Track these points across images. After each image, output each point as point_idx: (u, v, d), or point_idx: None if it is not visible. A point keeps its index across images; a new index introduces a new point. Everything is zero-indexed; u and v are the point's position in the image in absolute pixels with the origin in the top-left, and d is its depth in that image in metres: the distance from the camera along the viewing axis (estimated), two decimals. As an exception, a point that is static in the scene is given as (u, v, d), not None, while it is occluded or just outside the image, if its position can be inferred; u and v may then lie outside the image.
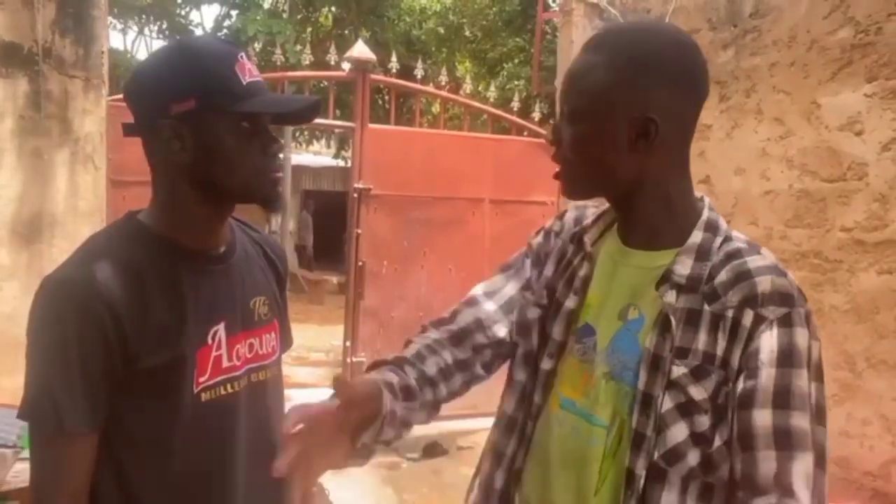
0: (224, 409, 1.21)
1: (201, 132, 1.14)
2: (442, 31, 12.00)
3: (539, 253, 1.31)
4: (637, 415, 1.04)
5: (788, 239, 3.58)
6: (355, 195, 5.25)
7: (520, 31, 11.25)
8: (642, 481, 1.02)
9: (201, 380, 1.18)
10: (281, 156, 1.24)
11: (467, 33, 12.11)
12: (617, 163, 1.08)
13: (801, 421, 0.96)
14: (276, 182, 1.20)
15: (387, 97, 8.80)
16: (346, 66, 5.40)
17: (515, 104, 5.68)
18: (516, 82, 10.12)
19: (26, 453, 1.85)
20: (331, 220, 16.71)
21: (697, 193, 1.17)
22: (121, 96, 4.61)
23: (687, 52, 1.09)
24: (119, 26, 11.95)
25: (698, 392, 1.01)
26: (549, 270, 1.26)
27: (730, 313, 1.02)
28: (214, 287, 1.22)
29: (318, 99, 1.24)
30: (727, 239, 1.10)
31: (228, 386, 1.22)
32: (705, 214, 1.12)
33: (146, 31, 12.74)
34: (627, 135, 1.06)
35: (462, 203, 5.54)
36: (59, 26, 4.04)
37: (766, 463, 0.95)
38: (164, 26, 11.67)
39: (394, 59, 5.43)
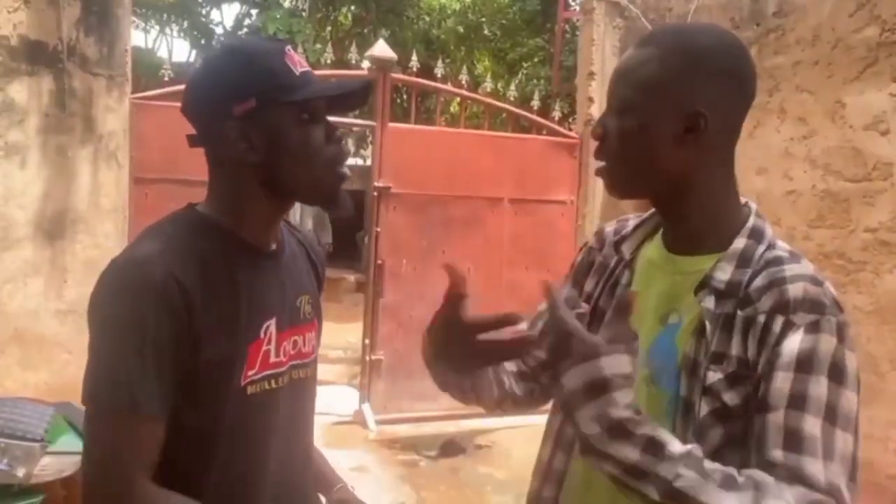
0: (266, 404, 1.22)
1: (266, 129, 1.15)
2: (461, 29, 11.99)
3: (579, 270, 1.32)
4: (680, 421, 1.05)
5: (811, 239, 3.54)
6: (375, 194, 5.26)
7: (540, 30, 11.23)
8: None
9: (249, 373, 1.18)
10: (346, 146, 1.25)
11: (487, 32, 12.09)
12: (664, 157, 1.08)
13: (812, 427, 0.93)
14: (342, 177, 1.21)
15: (406, 96, 8.82)
16: (365, 64, 5.41)
17: (535, 103, 5.66)
18: (536, 81, 10.09)
19: (54, 447, 1.87)
20: (351, 218, 16.71)
21: (743, 199, 1.16)
22: (143, 94, 4.65)
23: (737, 52, 1.10)
24: (141, 25, 12.05)
25: (732, 398, 1.01)
26: (589, 285, 1.27)
27: (761, 318, 1.01)
28: (268, 282, 1.23)
29: (370, 80, 1.29)
30: (770, 247, 1.09)
31: (273, 381, 1.22)
32: (751, 221, 1.12)
33: (167, 29, 12.84)
34: (676, 129, 1.06)
35: (481, 202, 5.54)
36: (83, 25, 4.08)
37: (775, 462, 0.94)
38: (186, 25, 11.75)
39: (414, 58, 5.44)
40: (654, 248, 1.21)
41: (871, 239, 3.27)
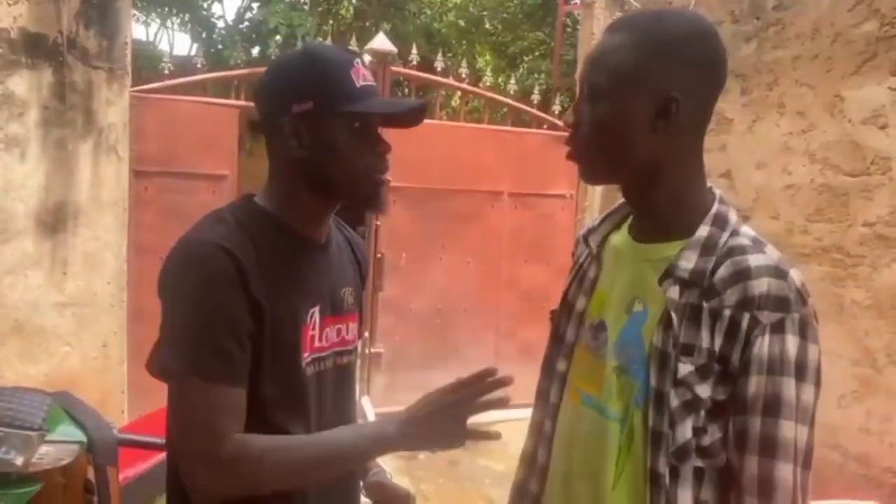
0: (318, 385, 1.31)
1: (317, 130, 1.24)
2: (462, 23, 11.97)
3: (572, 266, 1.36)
4: (652, 412, 1.06)
5: (810, 233, 3.55)
6: None
7: (540, 24, 11.21)
8: (667, 479, 1.04)
9: (305, 354, 1.28)
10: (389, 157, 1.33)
11: (488, 26, 12.07)
12: (636, 143, 1.09)
13: (786, 431, 1.01)
14: (381, 183, 1.31)
15: (406, 90, 8.81)
16: (366, 58, 5.41)
17: (535, 97, 5.66)
18: (536, 75, 10.08)
19: (52, 436, 1.88)
20: (349, 211, 16.77)
21: (709, 185, 1.17)
22: (143, 87, 4.64)
23: (710, 37, 1.11)
24: (142, 18, 12.02)
25: (704, 390, 1.03)
26: (569, 279, 1.31)
27: (727, 312, 1.03)
28: (316, 271, 1.33)
29: (424, 103, 1.33)
30: (734, 234, 1.09)
31: (319, 364, 1.31)
32: (715, 208, 1.12)
33: (168, 23, 12.82)
34: (649, 114, 1.07)
35: (481, 196, 5.54)
36: (83, 17, 4.08)
37: (751, 466, 1.02)
38: (187, 18, 11.74)
39: (414, 51, 5.43)
40: (620, 237, 1.23)
41: (870, 233, 3.27)
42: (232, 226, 1.24)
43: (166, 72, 4.63)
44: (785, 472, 1.00)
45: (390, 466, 4.94)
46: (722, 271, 1.05)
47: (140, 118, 4.41)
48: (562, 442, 1.23)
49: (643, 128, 1.08)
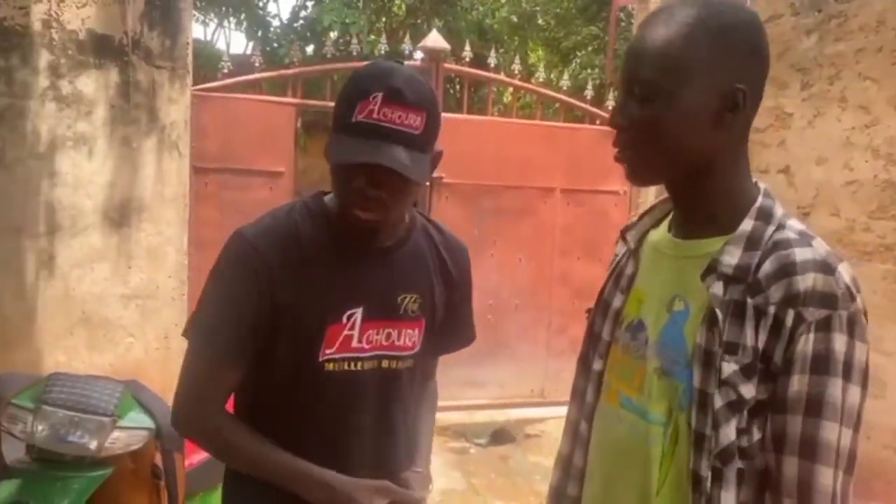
0: (347, 383, 1.36)
1: (327, 149, 1.30)
2: (515, 19, 11.93)
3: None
4: (696, 414, 1.02)
5: (872, 231, 3.46)
6: (428, 184, 5.30)
7: (594, 18, 11.10)
8: (709, 483, 1.00)
9: (328, 351, 1.33)
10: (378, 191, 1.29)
11: (540, 21, 12.00)
12: (698, 140, 1.04)
13: (828, 433, 0.96)
14: (356, 219, 1.29)
15: (458, 87, 8.83)
16: (418, 55, 5.45)
17: (589, 92, 5.63)
18: (589, 71, 9.99)
19: (123, 422, 1.96)
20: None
21: (753, 179, 1.13)
22: (204, 86, 4.75)
23: (757, 25, 1.07)
24: (200, 18, 12.29)
25: (748, 391, 0.99)
26: (607, 276, 1.27)
27: (772, 310, 0.99)
28: (365, 274, 1.37)
29: (382, 164, 1.23)
30: (780, 227, 1.04)
31: (353, 364, 1.36)
32: (759, 201, 1.07)
33: (225, 22, 13.07)
34: (714, 109, 1.03)
35: (533, 192, 5.53)
36: (147, 18, 4.21)
37: (790, 468, 0.98)
38: (243, 17, 11.95)
39: (467, 48, 5.45)
40: (659, 234, 1.19)
41: (936, 231, 3.18)
42: (280, 222, 1.35)
43: (226, 70, 4.74)
44: (825, 476, 0.96)
45: (442, 460, 4.97)
46: (767, 266, 1.00)
47: (200, 116, 4.53)
48: (601, 446, 1.19)
49: (708, 123, 1.03)
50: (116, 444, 1.97)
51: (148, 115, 4.25)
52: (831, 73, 3.72)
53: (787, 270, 0.99)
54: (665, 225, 1.19)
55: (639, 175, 1.11)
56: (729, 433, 0.99)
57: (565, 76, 5.99)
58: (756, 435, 1.00)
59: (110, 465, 2.00)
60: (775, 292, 0.99)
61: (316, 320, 1.33)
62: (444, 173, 5.28)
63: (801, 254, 1.00)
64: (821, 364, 0.96)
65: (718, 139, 1.05)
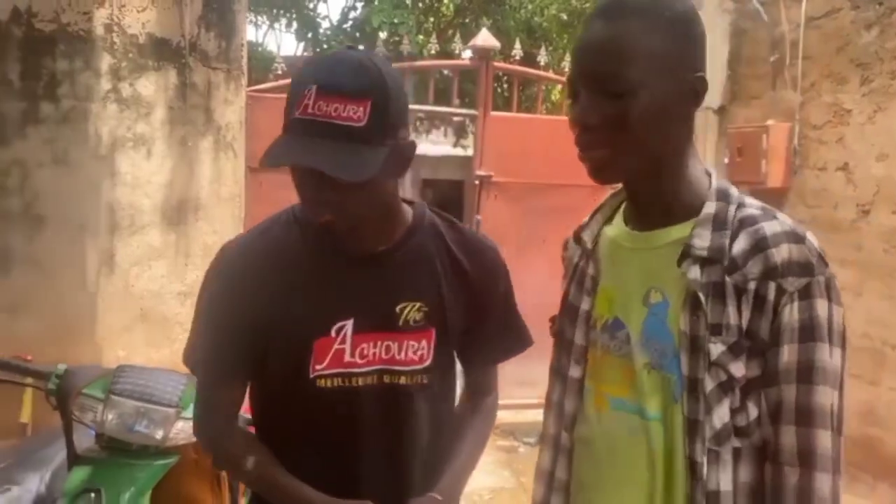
0: (343, 401, 1.26)
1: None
2: (565, 17, 11.86)
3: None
4: (687, 401, 1.02)
5: (936, 229, 3.37)
6: (476, 182, 5.31)
7: (644, 15, 11.00)
8: (705, 467, 1.01)
9: (317, 367, 1.25)
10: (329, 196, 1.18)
11: (589, 19, 11.92)
12: (668, 132, 1.04)
13: (822, 397, 0.98)
14: (317, 219, 1.21)
15: (507, 85, 8.82)
16: (466, 54, 5.47)
17: (640, 90, 5.57)
18: (639, 68, 9.88)
19: (186, 413, 2.02)
20: (448, 208, 16.95)
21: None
22: (258, 87, 4.83)
23: (697, 13, 1.07)
24: (252, 20, 12.50)
25: (738, 369, 1.00)
26: (566, 282, 1.24)
27: (751, 286, 1.00)
28: (355, 284, 1.27)
29: (314, 170, 1.15)
30: (741, 206, 1.06)
31: (350, 380, 1.26)
32: (714, 183, 1.08)
33: (276, 24, 13.27)
34: (683, 98, 1.03)
35: (582, 190, 5.45)
36: (204, 21, 4.31)
37: (789, 438, 0.99)
38: (293, 18, 12.12)
39: (517, 45, 5.45)
40: (616, 230, 1.16)
41: None
42: (264, 233, 1.30)
43: (279, 72, 4.82)
44: (824, 438, 0.98)
45: (492, 458, 4.99)
46: (740, 244, 1.01)
47: (254, 117, 4.61)
48: (593, 455, 1.15)
49: (677, 114, 1.04)
50: (181, 435, 2.02)
51: (204, 116, 4.34)
52: (893, 68, 3.62)
53: (761, 245, 1.00)
54: (619, 220, 1.17)
55: (607, 173, 1.07)
56: (722, 415, 1.00)
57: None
58: (753, 412, 1.01)
59: (175, 454, 2.06)
60: (753, 268, 1.00)
61: (302, 334, 1.25)
62: (492, 172, 5.29)
63: (769, 227, 1.01)
64: (807, 331, 0.98)
65: (683, 129, 1.06)
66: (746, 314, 0.99)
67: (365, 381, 1.27)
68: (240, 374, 1.30)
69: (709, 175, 1.10)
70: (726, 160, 4.98)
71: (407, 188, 6.65)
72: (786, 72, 4.36)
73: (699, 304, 1.01)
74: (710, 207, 1.05)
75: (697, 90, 1.03)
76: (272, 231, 1.30)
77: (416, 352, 1.30)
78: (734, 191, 1.08)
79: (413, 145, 1.23)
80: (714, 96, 5.29)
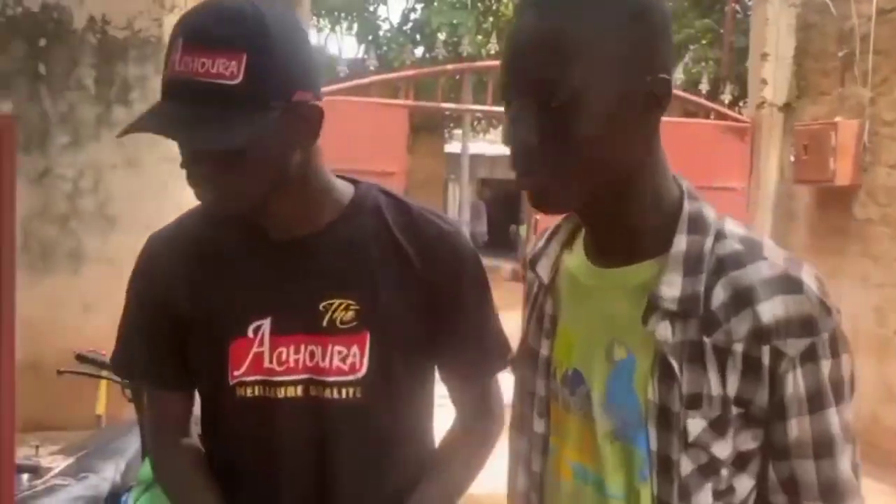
0: (264, 414, 1.06)
1: None
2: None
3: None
4: (657, 483, 0.85)
5: None
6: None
7: (708, 11, 10.79)
8: None
9: (236, 373, 1.05)
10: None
11: (650, 16, 11.78)
12: (626, 145, 0.84)
13: (843, 464, 0.84)
14: (199, 199, 1.01)
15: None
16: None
17: (704, 86, 5.48)
18: (704, 64, 9.72)
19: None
20: (505, 207, 16.93)
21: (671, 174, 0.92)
22: (322, 90, 4.92)
23: (662, 4, 0.88)
24: (315, 23, 12.73)
25: (723, 448, 0.83)
26: (526, 317, 1.04)
27: (738, 348, 0.81)
28: (274, 276, 1.06)
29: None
30: (719, 236, 0.85)
31: (269, 389, 1.05)
32: (686, 207, 0.87)
33: (337, 27, 13.48)
34: (640, 104, 0.82)
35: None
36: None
37: None
38: (354, 22, 12.30)
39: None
40: (575, 261, 0.96)
41: None
42: (185, 221, 1.11)
43: (342, 75, 4.90)
44: (854, 500, 0.85)
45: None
46: (719, 294, 0.82)
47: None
48: None
49: (634, 123, 0.83)
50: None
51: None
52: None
53: (747, 298, 0.81)
54: (579, 247, 0.96)
55: (555, 199, 0.86)
56: (702, 500, 0.84)
57: (678, 70, 5.85)
58: (746, 485, 0.86)
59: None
60: (738, 326, 0.81)
61: (218, 334, 1.05)
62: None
63: (756, 272, 0.82)
64: (816, 400, 0.83)
65: (642, 142, 0.85)
66: (734, 381, 0.82)
67: (286, 392, 1.05)
68: (171, 382, 1.12)
69: (681, 193, 0.89)
70: (792, 158, 4.87)
71: (464, 186, 6.67)
72: (855, 67, 4.24)
73: (671, 372, 0.83)
74: (680, 243, 0.85)
75: (658, 95, 0.82)
76: (193, 217, 1.11)
77: (345, 359, 1.05)
78: (710, 214, 0.88)
79: (318, 110, 0.99)
80: (779, 92, 5.18)
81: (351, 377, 1.05)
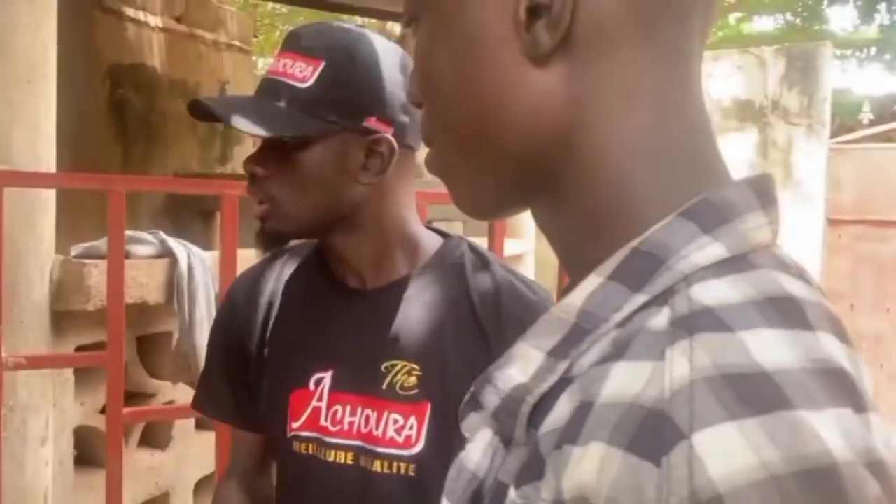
0: (315, 474, 0.97)
1: None
2: None
3: None
4: None
5: None
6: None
7: None
8: None
9: (294, 425, 0.98)
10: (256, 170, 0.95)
11: None
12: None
13: None
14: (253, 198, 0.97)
15: None
16: None
17: None
18: None
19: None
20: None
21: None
22: (840, 139, 4.83)
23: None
24: (838, 65, 12.00)
25: None
26: None
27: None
28: (342, 327, 0.99)
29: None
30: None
31: (321, 450, 0.96)
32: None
33: (864, 65, 12.45)
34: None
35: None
36: (786, 80, 4.46)
37: None
38: (887, 57, 11.24)
39: None
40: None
41: None
42: (272, 259, 1.07)
43: (865, 122, 4.68)
44: None
45: None
46: None
47: (836, 168, 4.56)
48: None
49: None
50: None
51: (783, 170, 4.48)
52: None
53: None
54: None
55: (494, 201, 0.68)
56: None
57: None
58: None
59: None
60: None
61: (283, 382, 0.99)
62: None
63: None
64: None
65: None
66: None
67: (336, 456, 0.96)
68: (250, 422, 1.07)
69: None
70: None
71: None
72: None
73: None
74: None
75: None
76: (278, 259, 1.07)
77: (401, 431, 0.94)
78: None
79: (388, 144, 0.91)
80: None
81: (405, 452, 0.94)
